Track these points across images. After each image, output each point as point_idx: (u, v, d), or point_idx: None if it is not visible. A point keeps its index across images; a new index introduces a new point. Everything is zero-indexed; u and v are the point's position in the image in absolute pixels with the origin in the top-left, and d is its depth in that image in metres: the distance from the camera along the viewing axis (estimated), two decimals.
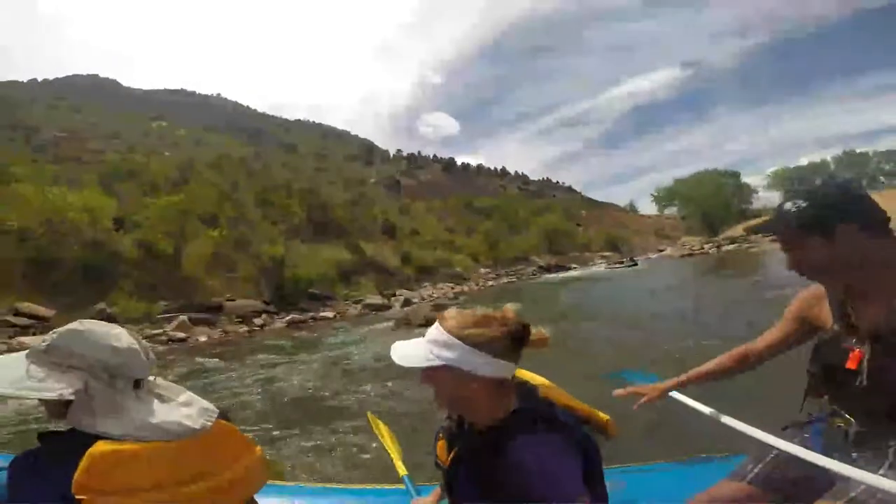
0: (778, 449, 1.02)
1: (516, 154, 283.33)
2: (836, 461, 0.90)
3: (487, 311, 0.84)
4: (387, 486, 1.53)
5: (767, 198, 60.28)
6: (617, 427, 0.95)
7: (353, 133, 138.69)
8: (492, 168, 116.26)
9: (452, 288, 30.10)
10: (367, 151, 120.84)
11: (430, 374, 0.84)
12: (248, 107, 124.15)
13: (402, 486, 1.40)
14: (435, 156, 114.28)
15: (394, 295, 24.03)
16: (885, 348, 0.90)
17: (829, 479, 0.94)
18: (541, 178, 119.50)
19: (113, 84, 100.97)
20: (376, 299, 21.96)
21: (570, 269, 44.24)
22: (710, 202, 43.59)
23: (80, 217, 18.29)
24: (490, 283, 35.76)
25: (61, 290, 16.97)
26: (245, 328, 16.36)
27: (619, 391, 1.28)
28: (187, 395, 0.81)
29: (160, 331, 14.40)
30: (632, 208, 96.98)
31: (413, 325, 10.70)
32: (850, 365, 0.93)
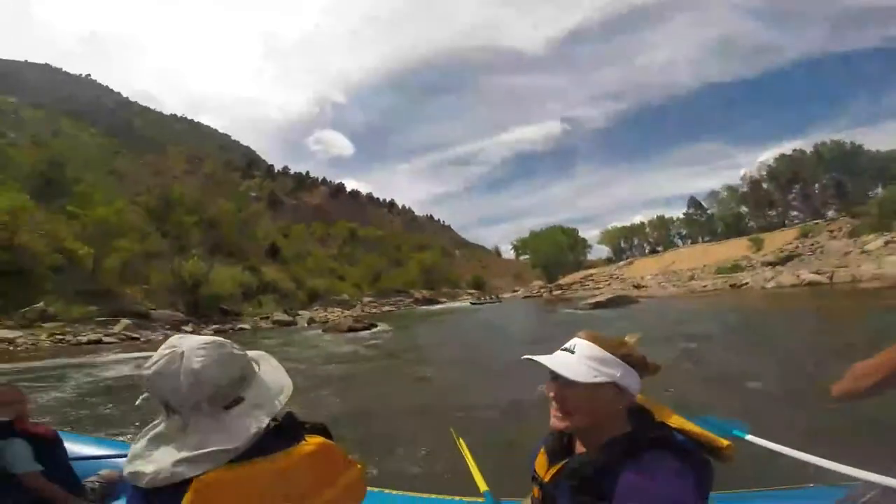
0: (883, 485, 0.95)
1: (405, 185, 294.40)
2: None
3: (620, 337, 0.93)
4: (467, 499, 1.56)
5: (599, 250, 76.68)
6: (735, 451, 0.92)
7: (233, 138, 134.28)
8: (381, 199, 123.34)
9: (342, 312, 35.89)
10: (249, 162, 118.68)
11: (583, 391, 0.86)
12: (119, 93, 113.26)
13: (481, 500, 1.46)
14: (324, 179, 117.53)
15: (297, 314, 29.22)
16: None
17: None
18: (425, 215, 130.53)
19: None
20: (283, 317, 27.05)
21: (441, 302, 52.96)
22: (550, 254, 56.76)
23: (5, 220, 20.35)
24: (374, 310, 42.13)
25: None
26: (179, 334, 20.42)
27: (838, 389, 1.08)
28: (228, 428, 0.76)
29: (113, 330, 18.08)
30: (496, 251, 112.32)
31: (339, 330, 17.03)
32: None
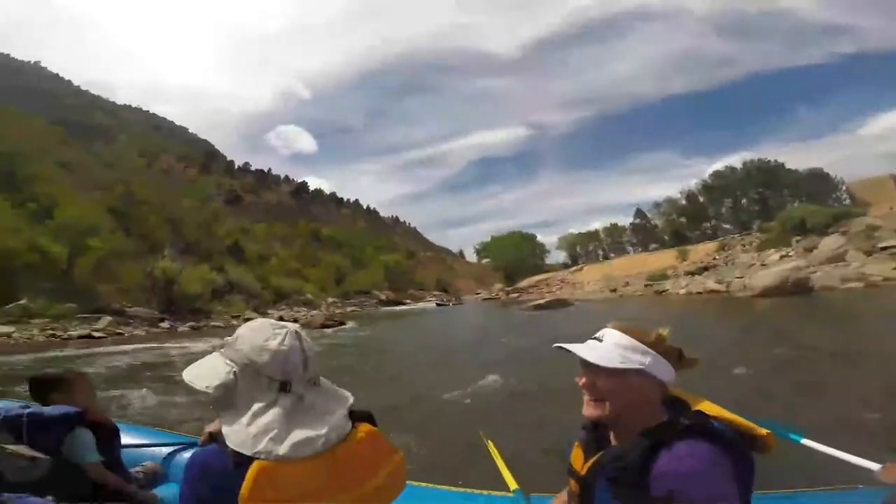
0: None
1: (370, 185, 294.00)
2: None
3: (650, 328, 0.95)
4: (496, 494, 1.58)
5: (556, 255, 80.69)
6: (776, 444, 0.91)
7: (191, 131, 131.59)
8: (344, 199, 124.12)
9: (308, 312, 37.90)
10: (207, 157, 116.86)
11: (612, 377, 0.90)
12: (69, 81, 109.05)
13: (511, 495, 1.50)
14: (286, 176, 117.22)
15: (266, 313, 31.18)
16: None
17: None
18: (390, 216, 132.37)
19: None
20: (253, 315, 28.96)
21: (405, 303, 55.51)
22: (510, 258, 60.55)
23: None
24: (338, 310, 44.20)
25: None
26: (158, 329, 22.18)
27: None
28: (335, 404, 0.85)
29: (97, 326, 19.73)
30: (461, 254, 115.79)
31: (312, 327, 19.42)
32: None
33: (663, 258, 38.58)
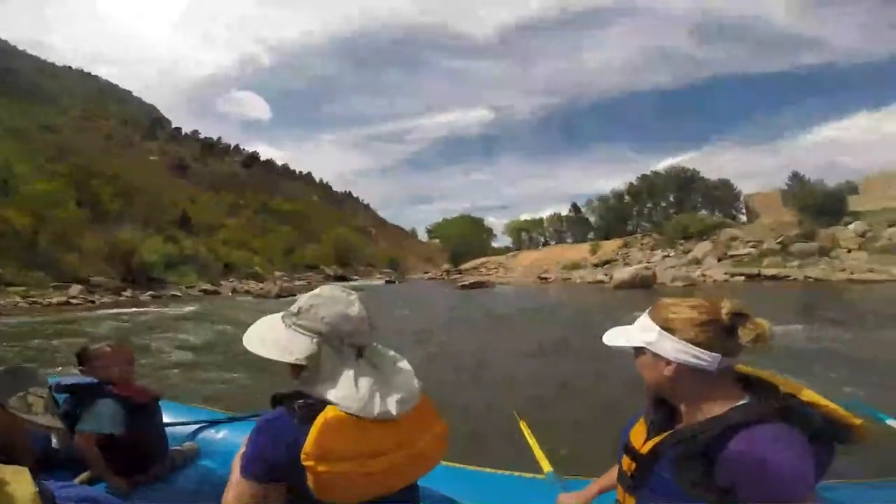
0: None
1: (325, 158, 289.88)
2: None
3: (700, 300, 0.88)
4: (528, 476, 1.57)
5: (503, 240, 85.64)
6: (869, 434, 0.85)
7: (135, 94, 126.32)
8: (297, 171, 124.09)
9: (257, 284, 41.04)
10: (152, 122, 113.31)
11: (637, 356, 0.92)
12: (6, 41, 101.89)
13: (543, 478, 1.48)
14: (237, 146, 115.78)
15: (219, 284, 34.38)
16: None
17: None
18: (343, 191, 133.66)
19: None
20: (208, 286, 32.16)
21: (353, 279, 59.21)
22: (458, 240, 65.65)
23: None
24: (285, 284, 47.37)
25: None
26: (122, 298, 25.12)
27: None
28: (400, 365, 0.92)
29: (71, 293, 22.59)
30: (413, 233, 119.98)
31: (269, 297, 23.24)
32: None
33: (582, 250, 44.67)
